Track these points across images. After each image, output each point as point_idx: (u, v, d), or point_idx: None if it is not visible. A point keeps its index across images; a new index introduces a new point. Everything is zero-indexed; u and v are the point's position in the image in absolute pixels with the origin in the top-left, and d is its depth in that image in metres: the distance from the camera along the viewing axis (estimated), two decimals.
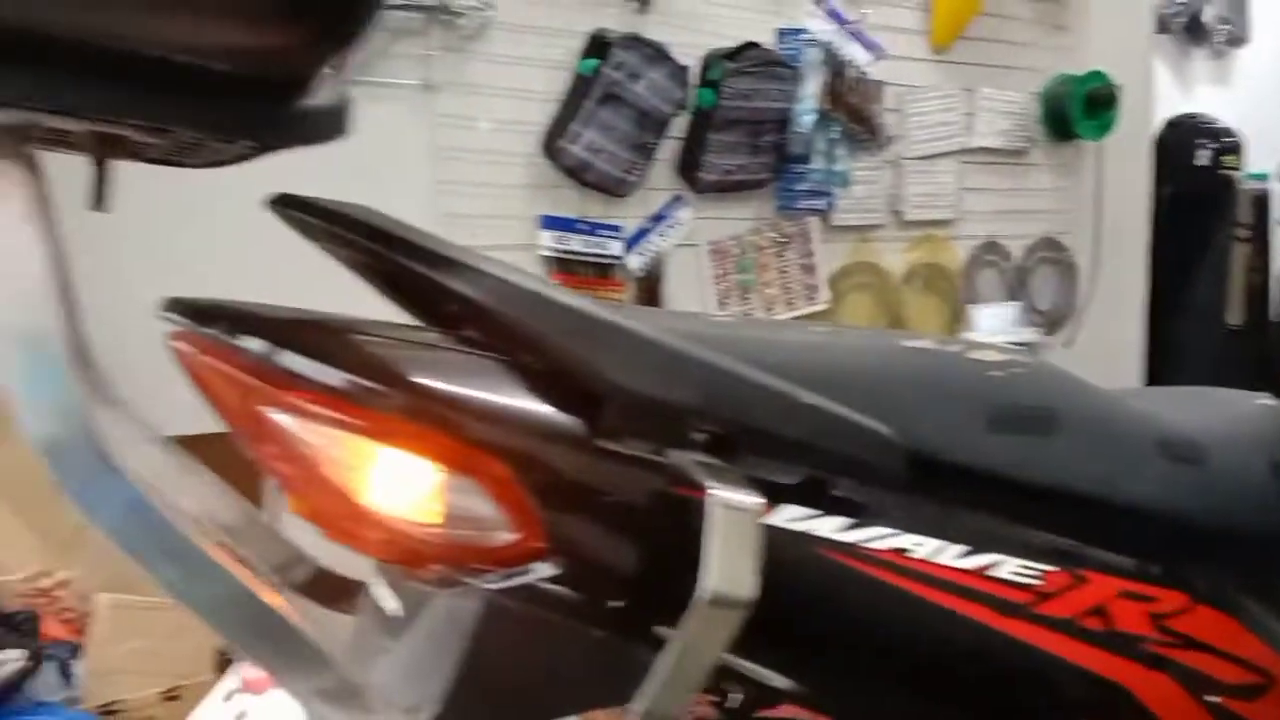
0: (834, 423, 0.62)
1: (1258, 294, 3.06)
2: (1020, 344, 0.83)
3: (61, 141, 0.49)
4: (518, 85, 1.98)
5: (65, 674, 1.49)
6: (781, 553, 0.61)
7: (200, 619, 0.48)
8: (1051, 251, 2.74)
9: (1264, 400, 1.00)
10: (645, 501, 0.60)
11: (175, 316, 0.61)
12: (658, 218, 2.15)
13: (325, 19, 0.44)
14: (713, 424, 0.60)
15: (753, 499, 0.56)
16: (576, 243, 2.06)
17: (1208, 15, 3.92)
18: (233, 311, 0.60)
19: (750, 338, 0.71)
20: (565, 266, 2.04)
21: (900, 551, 0.64)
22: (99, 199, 0.54)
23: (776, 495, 0.62)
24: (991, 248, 2.64)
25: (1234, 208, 3.03)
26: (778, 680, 0.67)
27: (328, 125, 0.51)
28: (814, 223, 2.35)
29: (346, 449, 0.58)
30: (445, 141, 1.92)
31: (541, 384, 0.60)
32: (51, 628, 1.50)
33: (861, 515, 0.64)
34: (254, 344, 0.58)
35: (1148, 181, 2.94)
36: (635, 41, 1.97)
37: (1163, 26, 3.71)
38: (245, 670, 0.72)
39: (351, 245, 0.62)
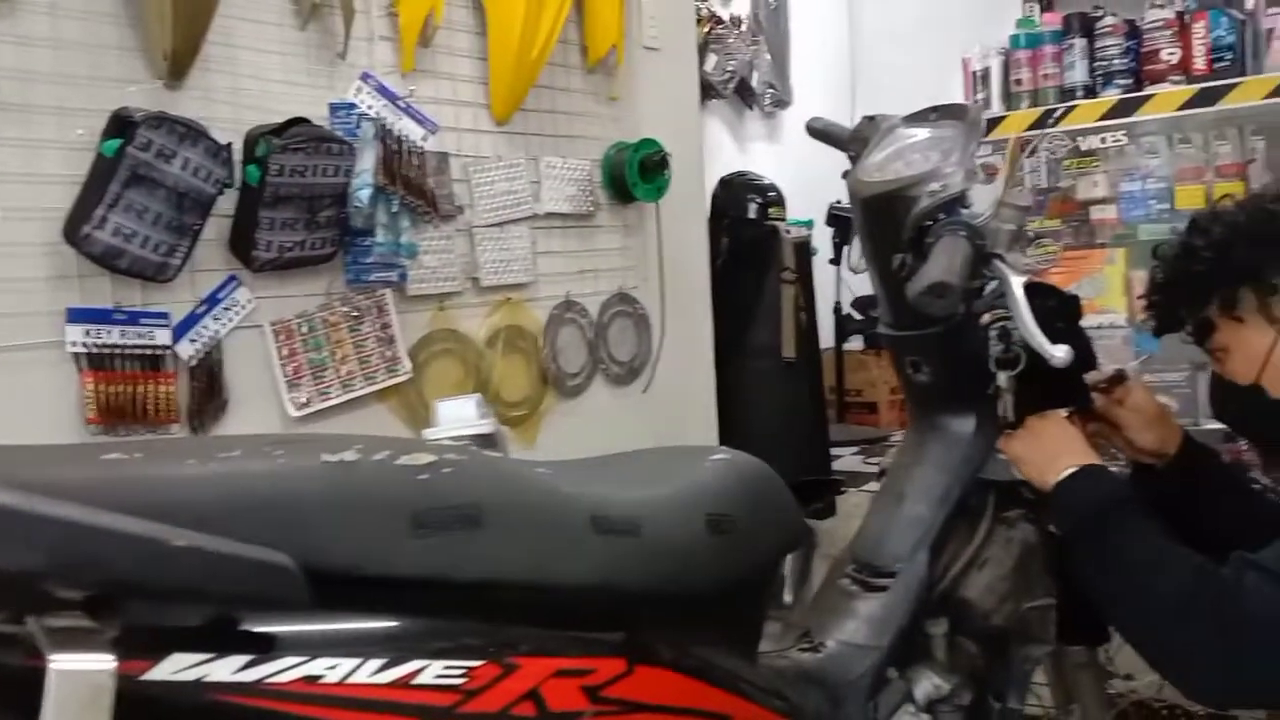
0: (218, 560, 0.60)
1: (806, 330, 3.46)
2: (478, 436, 0.87)
3: None
4: (32, 170, 1.80)
5: None
6: (172, 707, 0.58)
7: None
8: (625, 305, 2.93)
9: (716, 455, 1.11)
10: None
11: None
12: (210, 301, 2.04)
13: None
14: (72, 585, 0.56)
15: (97, 663, 0.53)
16: (115, 335, 1.90)
17: (755, 81, 4.42)
18: None
19: (133, 477, 0.68)
20: (102, 362, 1.88)
21: (310, 679, 0.64)
22: None
23: (172, 643, 0.60)
24: (569, 306, 2.77)
25: (781, 254, 3.41)
26: None
27: None
28: (389, 294, 2.34)
29: None
30: None
31: None
32: None
33: (269, 649, 0.63)
34: None
35: (705, 235, 3.24)
36: (164, 119, 1.86)
37: (716, 92, 4.13)
38: None
39: None
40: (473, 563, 0.74)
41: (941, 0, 4.66)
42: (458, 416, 0.88)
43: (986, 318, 1.32)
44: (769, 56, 4.42)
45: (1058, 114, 2.82)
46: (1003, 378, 1.33)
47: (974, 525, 1.41)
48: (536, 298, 2.70)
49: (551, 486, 0.82)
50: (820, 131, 1.64)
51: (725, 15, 4.05)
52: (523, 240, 2.64)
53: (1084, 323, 2.72)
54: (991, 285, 1.33)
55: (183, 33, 1.94)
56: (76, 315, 1.85)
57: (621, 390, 2.93)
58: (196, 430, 2.02)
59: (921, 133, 1.36)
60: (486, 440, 0.89)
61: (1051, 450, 1.33)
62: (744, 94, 4.32)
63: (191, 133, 1.90)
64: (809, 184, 3.91)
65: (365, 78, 2.19)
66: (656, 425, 2.99)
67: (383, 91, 2.21)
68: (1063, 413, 1.45)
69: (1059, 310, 1.34)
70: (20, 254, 1.81)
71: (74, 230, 1.82)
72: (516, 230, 2.63)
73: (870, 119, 1.51)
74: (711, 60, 3.97)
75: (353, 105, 2.20)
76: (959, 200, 1.23)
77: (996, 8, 4.34)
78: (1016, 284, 1.19)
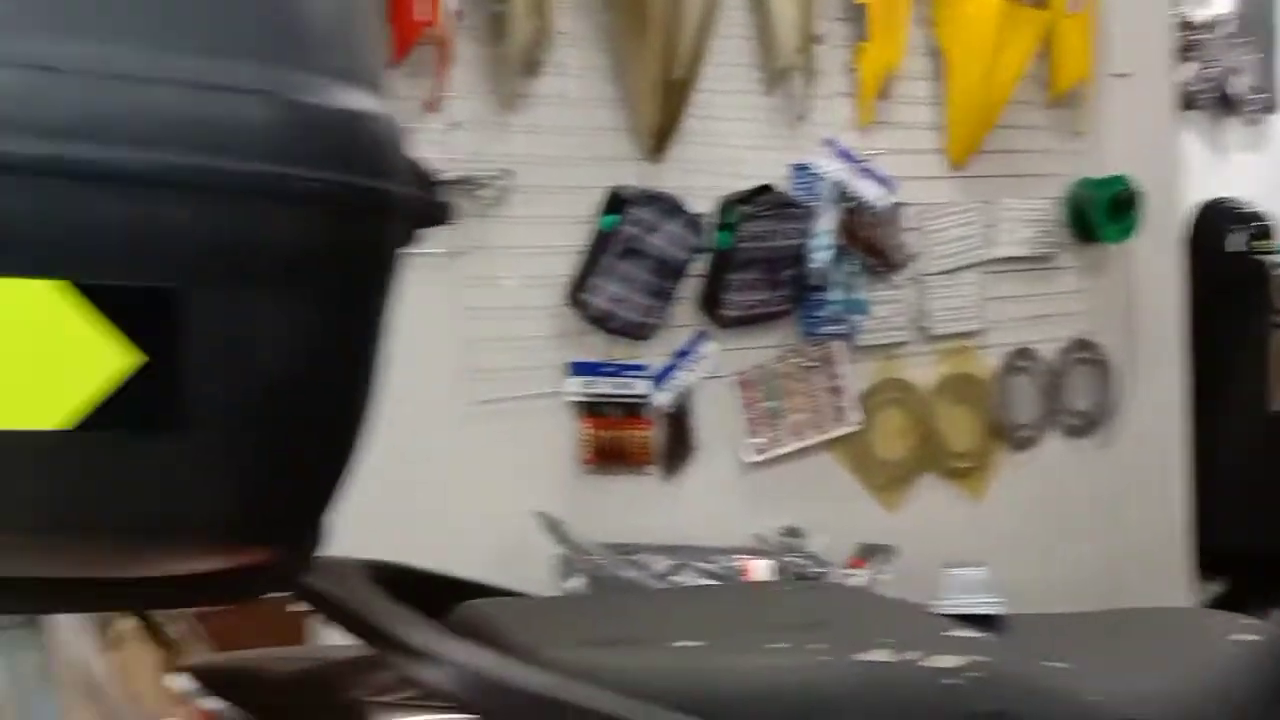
0: None
1: None
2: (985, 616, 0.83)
3: None
4: (540, 243, 2.07)
5: None
6: None
7: None
8: (1085, 353, 2.73)
9: (1236, 635, 0.94)
10: None
11: None
12: (682, 353, 2.21)
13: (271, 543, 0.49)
14: None
15: None
16: (605, 385, 2.13)
17: (1237, 87, 3.91)
18: None
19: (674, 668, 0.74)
20: (593, 410, 2.11)
21: None
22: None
23: None
24: (1023, 354, 2.64)
25: (1268, 292, 3.00)
26: None
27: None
28: (838, 346, 2.38)
29: None
30: (472, 301, 2.01)
31: None
32: None
33: None
34: None
35: (1178, 275, 2.93)
36: (650, 197, 2.05)
37: (1191, 103, 3.71)
38: None
39: None
40: None
41: None
42: (967, 588, 0.87)
43: None
44: (1256, 56, 3.88)
45: None
46: None
47: None
48: (986, 345, 2.61)
49: (1074, 693, 0.78)
50: None
51: (1204, 18, 3.63)
52: (972, 286, 2.57)
53: None
54: None
55: (666, 110, 2.11)
56: (577, 369, 2.10)
57: (1076, 444, 2.75)
58: (668, 472, 2.19)
59: None
60: (988, 621, 0.87)
61: None
62: (1224, 102, 3.85)
63: (672, 207, 2.07)
64: None
65: (828, 143, 2.25)
66: (1115, 486, 2.77)
67: (843, 155, 2.26)
68: None
69: None
70: (533, 316, 2.08)
71: (575, 295, 2.07)
72: (967, 276, 2.56)
73: None
74: (1190, 70, 3.57)
75: (813, 167, 2.26)
76: None
77: None
78: None
